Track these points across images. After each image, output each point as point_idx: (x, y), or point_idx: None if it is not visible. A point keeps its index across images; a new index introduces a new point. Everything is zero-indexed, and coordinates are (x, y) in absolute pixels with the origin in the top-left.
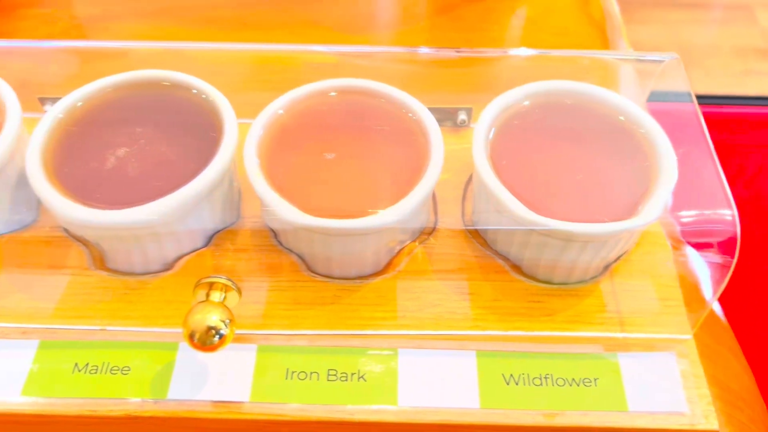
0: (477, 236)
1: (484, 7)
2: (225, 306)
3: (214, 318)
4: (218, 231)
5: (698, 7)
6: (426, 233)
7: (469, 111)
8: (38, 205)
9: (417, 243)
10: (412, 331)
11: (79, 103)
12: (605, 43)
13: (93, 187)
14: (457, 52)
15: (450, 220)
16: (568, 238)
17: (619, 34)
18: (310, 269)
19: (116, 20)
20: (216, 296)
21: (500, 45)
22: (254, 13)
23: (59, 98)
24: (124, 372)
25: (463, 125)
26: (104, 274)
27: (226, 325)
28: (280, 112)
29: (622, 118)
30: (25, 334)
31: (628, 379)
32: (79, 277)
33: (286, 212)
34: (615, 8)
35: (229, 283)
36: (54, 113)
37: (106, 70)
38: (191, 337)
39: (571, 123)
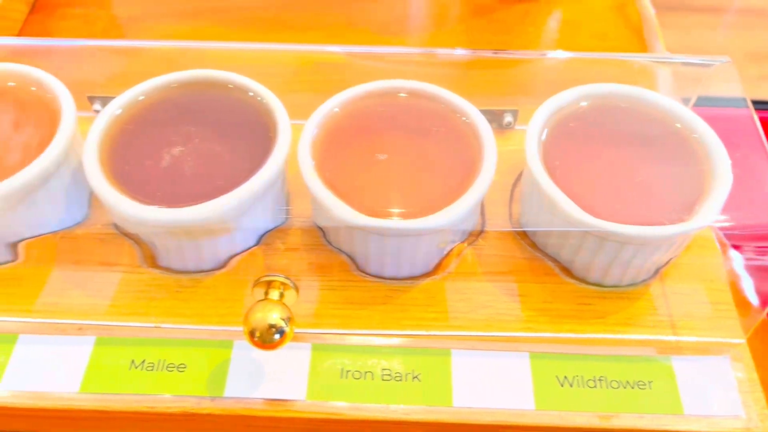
0: (525, 238)
1: (521, 10)
2: (284, 304)
3: (274, 316)
4: (268, 230)
5: (713, 12)
6: (474, 234)
7: (515, 113)
8: (89, 202)
9: (465, 244)
10: (464, 332)
11: (133, 102)
12: (643, 47)
13: (149, 186)
14: (495, 53)
15: (498, 221)
16: (623, 241)
17: (656, 38)
18: (359, 269)
19: (156, 20)
20: (274, 294)
21: (538, 48)
22: (292, 14)
23: (108, 97)
24: (180, 369)
25: (509, 127)
26: (156, 272)
27: (286, 324)
28: (336, 110)
29: (676, 123)
30: (81, 330)
31: (683, 382)
32: (132, 275)
33: (343, 212)
34: (651, 12)
35: (287, 282)
36: (110, 111)
37: (151, 69)
38: (252, 334)
39: (625, 126)
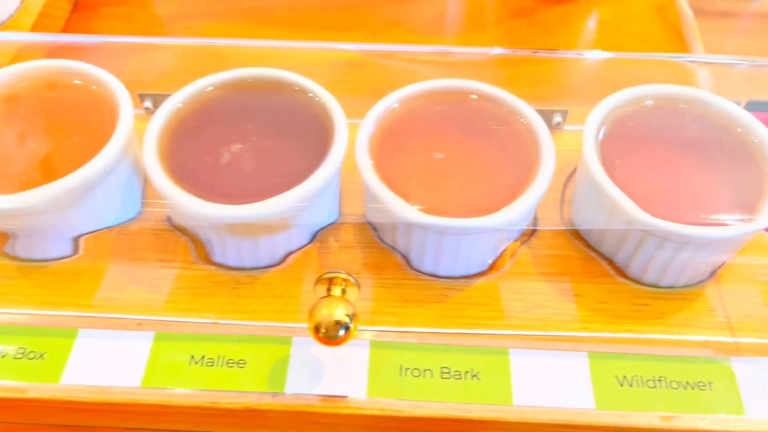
0: (578, 237)
1: (561, 12)
2: (349, 301)
3: (339, 312)
4: (322, 227)
5: (727, 16)
6: (527, 233)
7: (564, 113)
8: (142, 198)
9: (519, 243)
10: (522, 331)
11: (192, 98)
12: (683, 49)
13: (210, 182)
14: (533, 52)
15: (549, 221)
16: (684, 242)
17: (695, 40)
18: (413, 267)
19: (197, 19)
20: (336, 291)
21: (579, 49)
22: (334, 14)
23: (157, 94)
24: (240, 365)
25: (558, 127)
26: (212, 268)
27: (351, 320)
28: (395, 106)
29: (735, 125)
30: (140, 325)
31: (743, 383)
32: (187, 271)
33: (404, 210)
34: (689, 14)
35: (349, 278)
36: (169, 108)
37: (199, 67)
38: (317, 330)
39: (684, 127)
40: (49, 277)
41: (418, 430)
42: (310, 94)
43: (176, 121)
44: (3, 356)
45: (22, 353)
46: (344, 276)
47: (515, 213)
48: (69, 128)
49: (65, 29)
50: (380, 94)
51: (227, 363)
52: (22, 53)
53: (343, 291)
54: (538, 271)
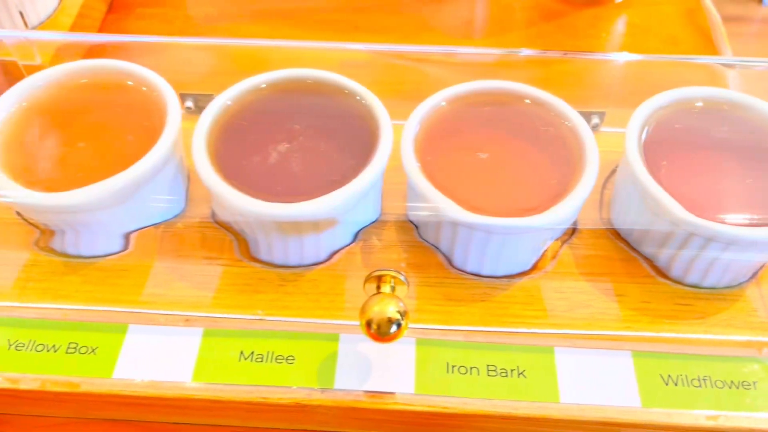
0: (618, 237)
1: (591, 15)
2: (400, 298)
3: (392, 309)
4: (365, 226)
5: (738, 21)
6: (567, 233)
7: (602, 115)
8: (186, 195)
9: (560, 243)
10: (566, 330)
11: (241, 97)
12: (713, 51)
13: (259, 181)
14: (564, 54)
15: (589, 221)
16: (730, 242)
17: (724, 43)
18: (455, 266)
19: (231, 21)
20: (386, 289)
21: (609, 52)
22: (367, 17)
23: (200, 94)
24: (289, 361)
25: (596, 129)
26: (257, 265)
27: (402, 317)
28: (443, 104)
29: None
30: (188, 321)
31: None
32: (233, 268)
33: (452, 210)
34: (717, 18)
35: (398, 276)
36: (216, 107)
37: (237, 67)
38: (368, 326)
39: (726, 129)
40: (97, 274)
41: (465, 426)
42: (357, 97)
43: (224, 120)
44: (55, 351)
45: (74, 348)
46: (393, 273)
47: (563, 212)
48: (120, 128)
49: (101, 29)
50: (415, 95)
51: (276, 359)
52: (61, 52)
53: (393, 288)
54: (579, 270)
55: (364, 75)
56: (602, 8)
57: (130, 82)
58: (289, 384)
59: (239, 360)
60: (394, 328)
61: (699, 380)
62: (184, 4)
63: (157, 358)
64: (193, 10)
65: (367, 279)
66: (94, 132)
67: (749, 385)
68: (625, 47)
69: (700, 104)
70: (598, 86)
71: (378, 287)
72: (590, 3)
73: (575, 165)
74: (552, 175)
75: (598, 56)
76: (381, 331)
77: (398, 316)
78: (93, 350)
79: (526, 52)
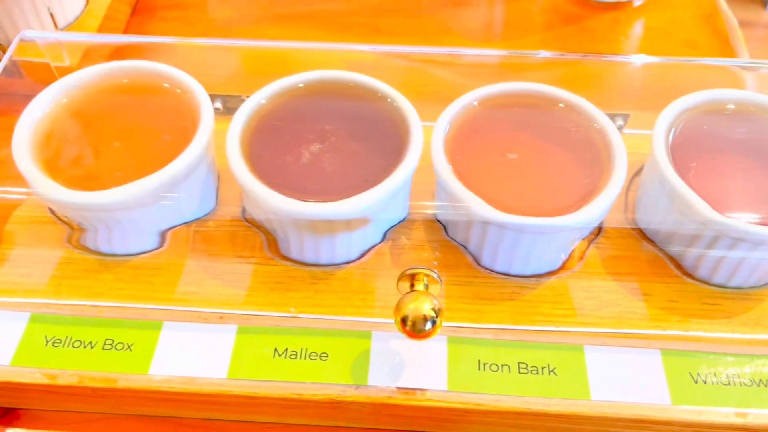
0: (644, 237)
1: (609, 18)
2: (434, 296)
3: (426, 306)
4: (394, 225)
5: (748, 26)
6: (593, 233)
7: (626, 117)
8: (216, 194)
9: (586, 243)
10: (595, 328)
11: (273, 98)
12: (731, 55)
13: (291, 180)
14: (583, 56)
15: (615, 221)
16: (758, 242)
17: (741, 47)
18: (483, 265)
19: (253, 23)
20: (419, 286)
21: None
22: (388, 20)
23: (226, 96)
24: (322, 358)
25: (619, 131)
26: (288, 263)
27: (437, 314)
28: (475, 104)
29: None
30: (222, 319)
31: None
32: (264, 266)
33: (484, 209)
34: (734, 21)
35: (431, 274)
36: (249, 107)
37: (262, 69)
38: (404, 323)
39: (754, 131)
40: (131, 271)
41: (497, 423)
42: (389, 99)
43: (256, 121)
44: (92, 347)
45: (111, 345)
46: (426, 272)
47: (594, 212)
48: (153, 128)
49: (125, 32)
50: (438, 96)
51: (310, 356)
52: (89, 54)
53: (426, 286)
54: (606, 270)
55: (384, 77)
56: (620, 12)
57: (166, 85)
58: (322, 381)
59: (273, 357)
60: (428, 326)
61: (728, 378)
62: (206, 6)
63: (192, 354)
64: (215, 12)
65: (401, 277)
66: (128, 132)
67: None
68: (644, 50)
69: (729, 106)
70: (618, 88)
71: (411, 285)
72: (609, 6)
73: (603, 166)
74: (580, 176)
75: (618, 58)
76: (416, 328)
77: (433, 314)
78: (129, 347)
79: (544, 54)
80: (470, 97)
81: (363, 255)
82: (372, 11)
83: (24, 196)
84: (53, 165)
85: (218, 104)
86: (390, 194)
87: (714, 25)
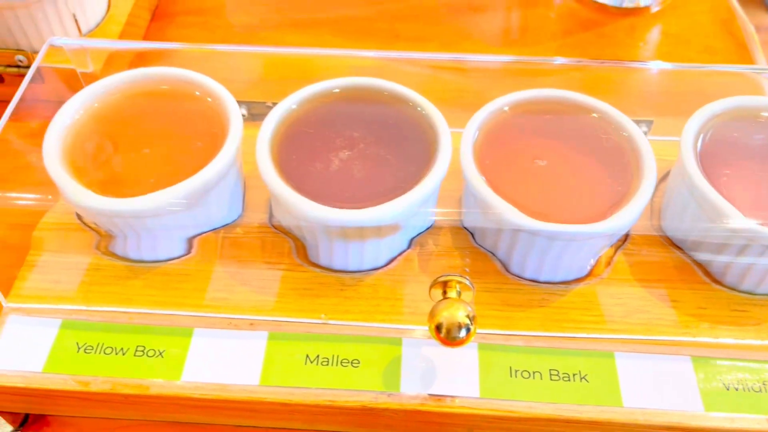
0: (671, 243)
1: (628, 24)
2: (468, 303)
3: (461, 314)
4: (421, 232)
5: (765, 31)
6: (620, 240)
7: (649, 123)
8: (243, 200)
9: (613, 249)
10: (625, 335)
11: (292, 108)
12: (749, 61)
13: (321, 186)
14: (601, 62)
15: (640, 227)
16: None
17: (759, 53)
18: (511, 271)
19: (273, 29)
20: (452, 294)
21: (647, 60)
22: (405, 26)
23: (253, 102)
24: (354, 365)
25: None
26: (317, 270)
27: (471, 322)
28: (506, 108)
29: None
30: (252, 325)
31: None
32: (293, 272)
33: (516, 216)
34: (751, 28)
35: (464, 281)
36: (277, 115)
37: (285, 75)
38: (438, 330)
39: None
40: (159, 278)
41: (530, 430)
42: (419, 108)
43: (285, 128)
44: (123, 354)
45: (142, 351)
46: (459, 279)
47: (626, 218)
48: (182, 135)
49: (145, 37)
50: (459, 102)
51: (341, 362)
52: (112, 59)
53: (459, 293)
54: (634, 276)
55: (403, 83)
56: (638, 17)
57: (197, 93)
58: (355, 387)
59: (305, 363)
60: (463, 333)
61: (760, 385)
62: (224, 12)
63: (224, 361)
64: (234, 18)
65: (433, 284)
66: (158, 139)
67: None
68: (662, 56)
69: (763, 113)
70: (637, 95)
71: (444, 292)
72: (626, 12)
73: (632, 172)
74: (609, 183)
75: (637, 65)
76: (451, 335)
77: (467, 321)
78: (160, 353)
79: (561, 60)
80: (499, 104)
81: (390, 261)
82: (391, 17)
83: (51, 203)
84: (84, 171)
85: (243, 110)
86: (421, 200)
87: (731, 30)
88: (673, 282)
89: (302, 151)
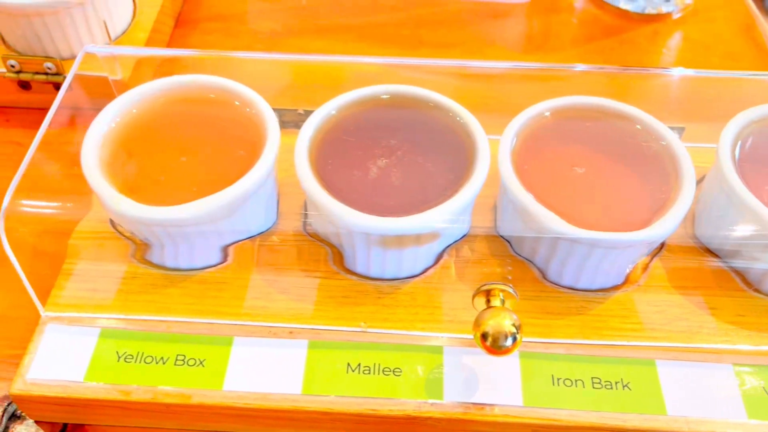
0: (707, 250)
1: (651, 30)
2: (513, 311)
3: (507, 323)
4: (457, 240)
5: None
6: (657, 247)
7: (681, 130)
8: (277, 208)
9: (650, 257)
10: (666, 343)
11: (331, 114)
12: None
13: (362, 195)
14: (623, 69)
15: (675, 234)
16: None
17: None
18: (549, 279)
19: (296, 35)
20: (496, 302)
21: (670, 66)
22: (431, 32)
23: (283, 109)
24: (396, 373)
25: None
26: (354, 278)
27: (518, 330)
28: (547, 114)
29: None
30: (292, 334)
31: None
32: (330, 280)
33: (557, 224)
34: None
35: (507, 289)
36: (314, 122)
37: (311, 82)
38: (484, 339)
39: None
40: (197, 286)
41: None
42: (456, 116)
43: (323, 134)
44: (164, 363)
45: (183, 360)
46: (502, 287)
47: (667, 226)
48: (218, 143)
49: (169, 44)
50: (485, 109)
51: (383, 371)
52: (140, 66)
53: (502, 302)
54: (672, 284)
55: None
56: (660, 24)
57: (237, 103)
58: (397, 396)
59: (347, 372)
60: (509, 341)
61: None
62: (248, 18)
63: (265, 370)
64: (257, 24)
65: (477, 293)
66: (195, 147)
67: None
68: (685, 62)
69: None
70: (663, 101)
71: (488, 301)
72: (648, 19)
73: (671, 179)
74: (649, 190)
75: (663, 71)
76: (497, 344)
77: (514, 330)
78: (201, 362)
79: (583, 67)
80: (537, 110)
81: (427, 269)
82: (415, 23)
83: (84, 211)
84: (123, 180)
85: None
86: (461, 208)
87: (752, 36)
88: (710, 289)
89: (341, 158)
